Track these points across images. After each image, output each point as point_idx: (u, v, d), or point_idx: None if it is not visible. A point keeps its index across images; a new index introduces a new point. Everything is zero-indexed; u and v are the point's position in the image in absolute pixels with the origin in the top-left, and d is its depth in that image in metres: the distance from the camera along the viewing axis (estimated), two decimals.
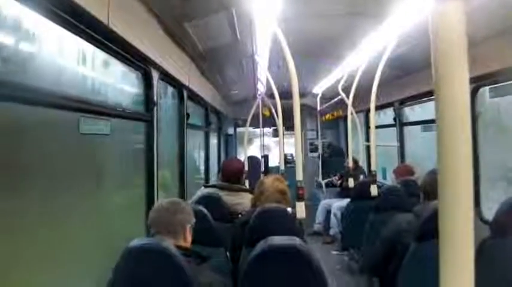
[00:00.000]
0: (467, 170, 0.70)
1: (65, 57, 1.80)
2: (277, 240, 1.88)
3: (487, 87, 3.21)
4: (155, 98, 2.75)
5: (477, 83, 3.10)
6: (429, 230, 2.12)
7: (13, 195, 1.43)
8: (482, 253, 0.72)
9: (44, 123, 1.63)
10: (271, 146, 9.53)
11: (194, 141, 5.08)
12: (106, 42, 2.01)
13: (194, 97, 4.33)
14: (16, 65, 1.44)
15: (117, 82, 2.46)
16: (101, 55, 2.12)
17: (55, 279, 1.65)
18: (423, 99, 4.56)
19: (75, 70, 1.91)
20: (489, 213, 2.87)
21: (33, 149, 1.56)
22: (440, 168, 0.72)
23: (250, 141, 7.09)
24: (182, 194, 3.71)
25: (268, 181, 2.70)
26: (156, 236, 1.73)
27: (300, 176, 2.46)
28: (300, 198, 2.45)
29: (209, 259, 1.77)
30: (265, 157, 7.18)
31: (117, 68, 2.39)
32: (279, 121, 4.30)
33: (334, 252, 5.51)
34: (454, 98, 0.70)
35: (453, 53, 0.69)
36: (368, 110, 4.43)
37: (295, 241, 1.87)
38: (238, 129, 8.67)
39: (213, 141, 6.45)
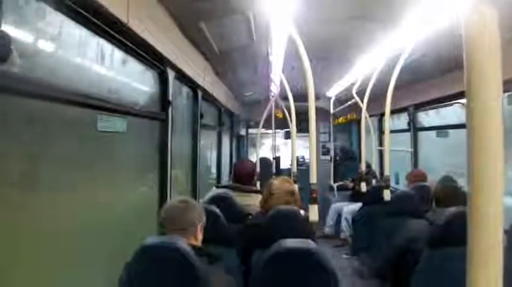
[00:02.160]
0: (498, 177, 0.69)
1: (85, 56, 1.83)
2: (292, 242, 1.87)
3: (506, 94, 3.16)
4: (170, 97, 2.77)
5: None
6: (444, 237, 2.10)
7: (32, 189, 1.45)
8: None
9: (65, 120, 1.66)
10: (280, 148, 9.50)
11: (207, 141, 5.10)
12: (124, 41, 2.03)
13: (208, 97, 4.35)
14: (37, 63, 1.46)
15: (134, 81, 2.48)
16: (118, 54, 2.14)
17: (67, 274, 1.66)
18: (438, 104, 4.52)
19: (94, 68, 1.93)
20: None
21: (53, 144, 1.58)
22: (470, 174, 0.71)
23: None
24: (194, 194, 3.73)
25: (277, 182, 2.71)
26: (168, 234, 1.74)
27: (314, 179, 2.46)
28: (313, 200, 2.44)
29: (221, 259, 1.78)
30: (277, 159, 7.16)
31: (134, 67, 2.41)
32: (292, 123, 4.30)
33: (345, 256, 5.49)
34: (486, 103, 0.69)
35: (486, 59, 0.69)
36: (382, 114, 4.39)
37: (310, 244, 1.87)
38: (250, 131, 8.67)
39: (226, 141, 6.46)
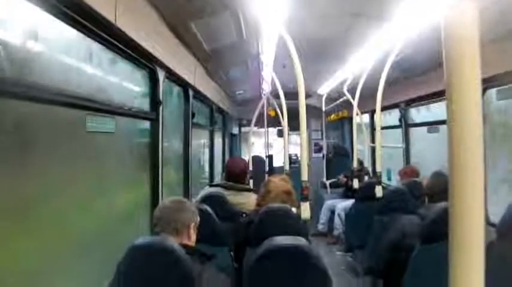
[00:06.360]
0: (478, 172, 0.70)
1: (73, 56, 1.81)
2: (282, 240, 1.87)
3: (494, 89, 3.18)
4: (161, 96, 2.76)
5: (484, 84, 3.08)
6: (435, 232, 2.11)
7: (20, 191, 1.43)
8: (489, 256, 0.70)
9: (53, 121, 1.64)
10: (273, 145, 9.50)
11: (199, 140, 5.09)
12: (113, 41, 2.02)
13: (199, 96, 4.34)
14: (24, 64, 1.44)
15: (123, 81, 2.46)
16: (107, 54, 2.13)
17: (58, 275, 1.65)
18: (429, 100, 4.54)
19: (82, 68, 1.91)
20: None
21: (42, 146, 1.57)
22: (451, 170, 0.72)
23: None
24: (186, 193, 3.72)
25: (275, 180, 2.70)
26: (161, 234, 1.74)
27: (305, 176, 2.46)
28: (304, 198, 2.45)
29: (213, 258, 1.78)
30: (270, 157, 7.16)
31: (124, 66, 2.39)
32: (284, 121, 4.30)
33: (338, 253, 5.50)
34: (465, 100, 0.69)
35: (465, 56, 0.69)
36: (373, 111, 4.41)
37: (301, 241, 1.87)
38: (243, 129, 8.66)
39: (218, 140, 6.45)
